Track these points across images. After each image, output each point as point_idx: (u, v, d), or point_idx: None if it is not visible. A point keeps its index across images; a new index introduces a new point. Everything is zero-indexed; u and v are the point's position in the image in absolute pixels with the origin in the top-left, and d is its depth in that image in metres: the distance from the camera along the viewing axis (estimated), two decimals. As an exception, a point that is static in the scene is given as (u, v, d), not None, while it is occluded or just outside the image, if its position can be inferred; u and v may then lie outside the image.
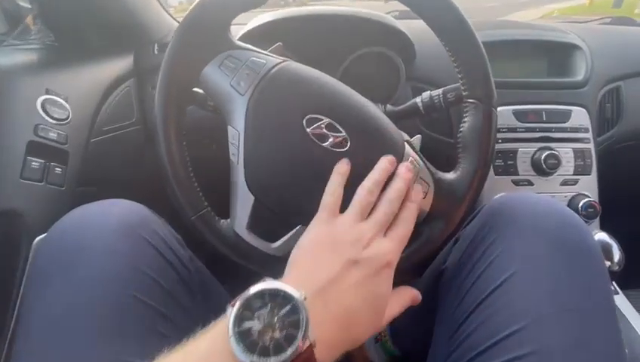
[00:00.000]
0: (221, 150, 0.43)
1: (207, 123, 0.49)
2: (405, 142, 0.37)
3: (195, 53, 0.35)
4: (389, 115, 0.49)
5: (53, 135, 0.40)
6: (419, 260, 0.38)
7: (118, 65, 0.55)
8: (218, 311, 0.48)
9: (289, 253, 0.37)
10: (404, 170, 0.34)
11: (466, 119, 0.37)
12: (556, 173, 0.56)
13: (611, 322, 0.29)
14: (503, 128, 0.56)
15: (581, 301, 0.29)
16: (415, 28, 0.61)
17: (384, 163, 0.34)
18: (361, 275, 0.28)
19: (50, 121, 0.40)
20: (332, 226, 0.31)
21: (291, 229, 0.36)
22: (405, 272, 0.38)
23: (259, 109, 0.34)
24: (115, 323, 0.30)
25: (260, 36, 0.54)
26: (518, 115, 0.56)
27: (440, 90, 0.43)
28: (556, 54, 0.63)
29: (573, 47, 0.61)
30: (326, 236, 0.30)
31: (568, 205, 0.56)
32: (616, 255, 0.45)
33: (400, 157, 0.36)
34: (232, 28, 0.36)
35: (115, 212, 0.34)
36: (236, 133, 0.35)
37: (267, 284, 0.24)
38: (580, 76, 0.59)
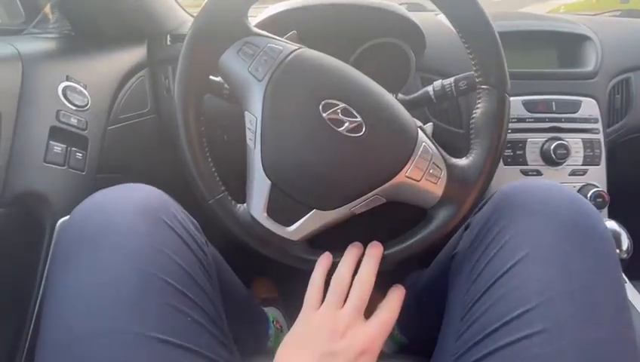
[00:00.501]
0: (233, 139, 0.44)
1: (219, 114, 0.49)
2: (418, 128, 0.38)
3: (213, 39, 0.35)
4: (400, 103, 0.50)
5: (73, 121, 0.41)
6: (430, 245, 0.39)
7: (132, 56, 0.56)
8: (231, 295, 0.49)
9: (304, 236, 0.38)
10: (373, 249, 0.38)
11: (479, 105, 0.37)
12: (565, 163, 0.56)
13: (622, 302, 0.30)
14: (512, 118, 0.57)
15: (592, 281, 0.30)
16: (424, 20, 0.61)
17: (351, 248, 0.38)
18: None
19: (71, 107, 0.41)
20: (311, 321, 0.34)
21: (306, 213, 0.37)
22: (414, 259, 0.39)
23: (276, 95, 0.35)
24: (138, 300, 0.31)
25: (273, 25, 0.54)
26: (527, 105, 0.57)
27: (452, 79, 0.44)
28: (566, 45, 0.63)
29: (584, 38, 0.61)
30: (305, 333, 0.33)
31: (577, 195, 0.57)
32: (625, 243, 0.45)
33: (413, 143, 0.36)
34: None
35: (136, 195, 0.35)
36: (254, 119, 0.36)
37: None
38: (590, 67, 0.59)
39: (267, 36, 0.37)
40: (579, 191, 0.57)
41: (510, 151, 0.56)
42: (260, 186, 0.37)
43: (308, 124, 0.35)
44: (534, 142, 0.56)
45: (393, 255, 0.39)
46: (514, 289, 0.31)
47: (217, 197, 0.37)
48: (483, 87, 0.37)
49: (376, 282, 0.36)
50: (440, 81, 0.45)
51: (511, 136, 0.57)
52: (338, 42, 0.60)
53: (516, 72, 0.59)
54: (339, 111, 0.35)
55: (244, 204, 0.39)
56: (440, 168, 0.37)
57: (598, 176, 0.57)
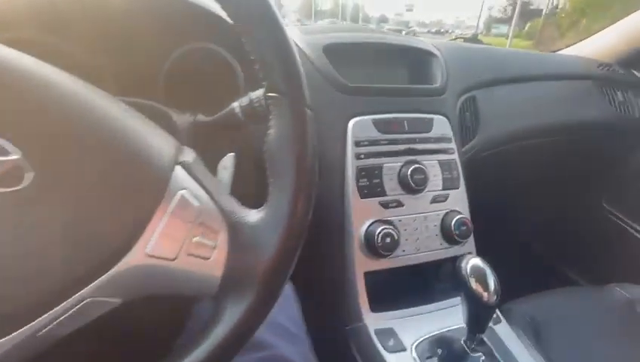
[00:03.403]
0: None
1: None
2: (179, 166, 0.23)
3: None
4: (198, 127, 0.34)
5: None
6: (225, 359, 0.23)
7: None
8: None
9: None
10: None
11: (270, 124, 0.24)
12: (426, 190, 0.49)
13: None
14: (363, 142, 0.47)
15: None
16: None
17: None
18: None
19: None
20: None
21: None
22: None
23: None
24: None
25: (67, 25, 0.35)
26: (379, 125, 0.48)
27: (261, 91, 0.31)
28: (415, 62, 0.59)
29: (430, 54, 0.58)
30: None
31: (442, 224, 0.50)
32: (491, 283, 0.38)
33: (157, 194, 0.21)
34: None
35: None
36: None
37: None
38: (437, 83, 0.55)
39: None
40: (442, 219, 0.50)
41: (365, 180, 0.47)
42: None
43: None
44: (391, 167, 0.48)
45: None
46: None
47: None
48: (271, 95, 0.23)
49: None
50: (248, 94, 0.32)
51: (365, 162, 0.47)
52: (145, 48, 0.43)
53: (365, 87, 0.51)
54: None
55: None
56: (215, 232, 0.22)
57: (459, 201, 0.52)
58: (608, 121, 0.78)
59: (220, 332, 0.22)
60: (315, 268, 0.51)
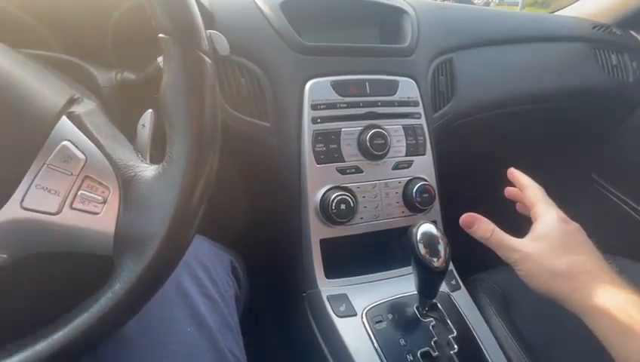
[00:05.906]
0: None
1: None
2: (66, 117, 0.21)
3: None
4: (124, 84, 0.33)
5: None
6: (124, 318, 0.22)
7: None
8: None
9: None
10: None
11: (163, 69, 0.22)
12: (387, 156, 0.47)
13: None
14: (321, 105, 0.45)
15: None
16: None
17: None
18: None
19: None
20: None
21: None
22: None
23: None
24: None
25: None
26: (337, 87, 0.46)
27: None
28: (385, 20, 0.55)
29: (400, 11, 0.54)
30: None
31: (404, 191, 0.48)
32: (440, 249, 0.37)
33: (38, 142, 0.20)
34: None
35: None
36: None
37: None
38: (405, 43, 0.52)
39: None
40: (405, 186, 0.48)
41: (322, 145, 0.45)
42: None
43: None
44: (349, 132, 0.46)
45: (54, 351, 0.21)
46: None
47: None
48: (162, 36, 0.21)
49: None
50: None
51: (321, 126, 0.45)
52: (86, 13, 0.41)
53: (324, 46, 0.48)
54: None
55: None
56: (105, 186, 0.21)
57: (425, 168, 0.50)
58: (600, 87, 0.73)
59: (118, 290, 0.21)
60: (274, 235, 0.51)
